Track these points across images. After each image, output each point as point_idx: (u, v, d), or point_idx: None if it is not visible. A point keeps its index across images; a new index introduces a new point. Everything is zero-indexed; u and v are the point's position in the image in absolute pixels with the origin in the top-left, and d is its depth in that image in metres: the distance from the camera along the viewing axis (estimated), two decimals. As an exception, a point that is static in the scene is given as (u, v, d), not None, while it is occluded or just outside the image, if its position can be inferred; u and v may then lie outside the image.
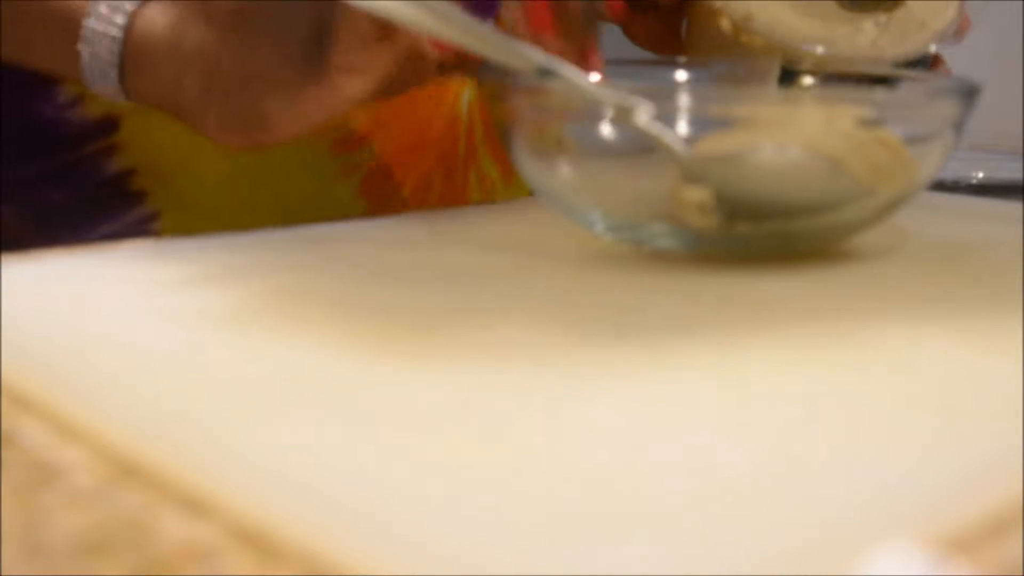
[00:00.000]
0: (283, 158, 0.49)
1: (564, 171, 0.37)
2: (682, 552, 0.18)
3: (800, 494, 0.20)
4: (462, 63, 0.39)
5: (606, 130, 0.36)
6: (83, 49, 0.39)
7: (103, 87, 0.40)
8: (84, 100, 0.48)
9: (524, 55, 0.33)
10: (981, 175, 0.70)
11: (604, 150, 0.36)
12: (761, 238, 0.35)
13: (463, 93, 0.54)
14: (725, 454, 0.22)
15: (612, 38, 0.60)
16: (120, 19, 0.39)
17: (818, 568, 0.17)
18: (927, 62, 0.44)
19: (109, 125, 0.48)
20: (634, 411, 0.24)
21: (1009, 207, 0.47)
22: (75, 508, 0.19)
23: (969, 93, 0.35)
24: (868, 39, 0.42)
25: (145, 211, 0.49)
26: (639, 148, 0.36)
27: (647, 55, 0.47)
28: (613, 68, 0.47)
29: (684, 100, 0.35)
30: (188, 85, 0.39)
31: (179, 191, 0.49)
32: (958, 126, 0.36)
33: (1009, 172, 0.72)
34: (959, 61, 0.46)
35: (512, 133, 0.37)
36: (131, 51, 0.39)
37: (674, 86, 0.41)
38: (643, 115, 0.33)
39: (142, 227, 0.49)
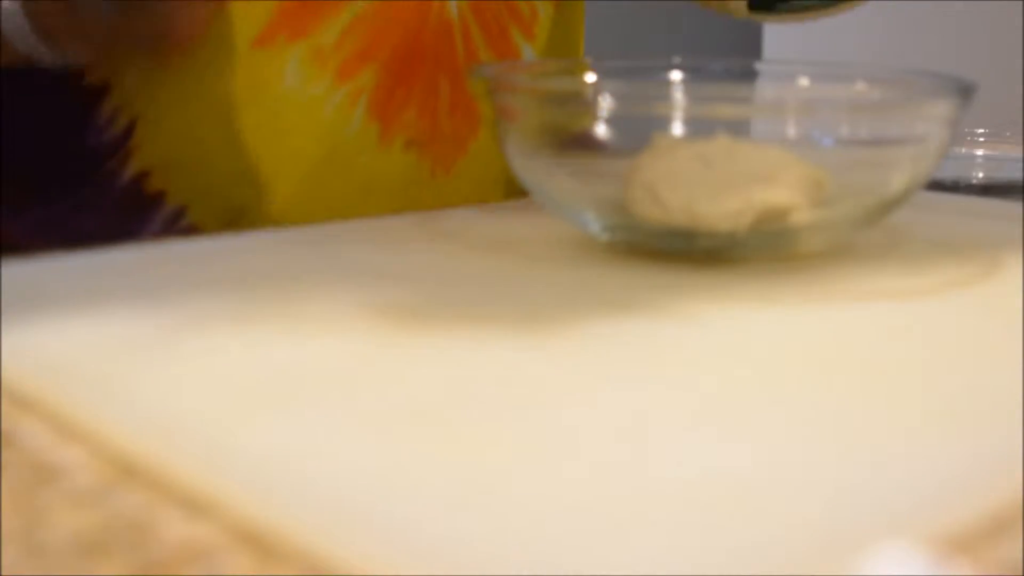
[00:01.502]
0: (294, 106, 0.49)
1: (558, 171, 0.37)
2: (681, 552, 0.18)
3: (800, 494, 0.20)
4: None
5: (601, 129, 0.36)
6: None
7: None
8: (118, 114, 0.48)
9: None
10: (981, 175, 0.70)
11: (599, 149, 0.36)
12: (760, 238, 0.35)
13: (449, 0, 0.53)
14: (725, 454, 0.22)
15: (615, 38, 0.60)
16: None
17: (818, 568, 0.17)
18: None
19: (127, 132, 0.48)
20: (633, 410, 0.24)
21: (1009, 207, 0.47)
22: (75, 508, 0.19)
23: (965, 92, 0.35)
24: None
25: (169, 210, 0.48)
26: (635, 147, 0.36)
27: (642, 54, 0.47)
28: (611, 68, 0.47)
29: (678, 100, 0.35)
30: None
31: (199, 178, 0.48)
32: (954, 125, 0.36)
33: (1009, 172, 0.72)
34: (959, 61, 0.46)
35: (505, 132, 0.37)
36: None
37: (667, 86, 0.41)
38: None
39: (174, 227, 0.48)
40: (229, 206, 0.48)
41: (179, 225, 0.48)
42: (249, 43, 0.47)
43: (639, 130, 0.37)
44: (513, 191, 0.55)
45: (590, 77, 0.45)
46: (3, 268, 0.33)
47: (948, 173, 0.67)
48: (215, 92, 0.47)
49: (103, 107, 0.48)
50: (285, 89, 0.48)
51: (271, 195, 0.49)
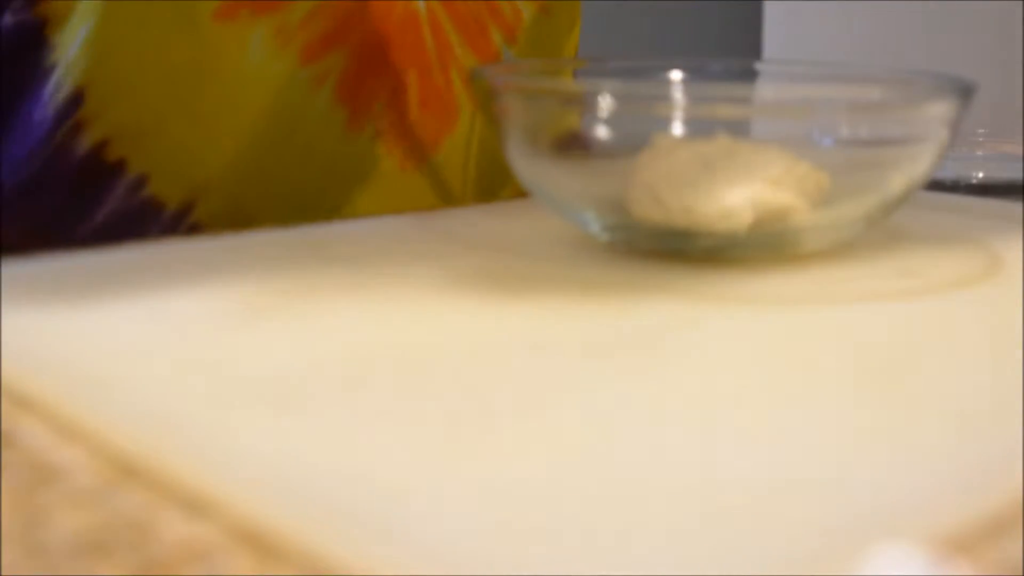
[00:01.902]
0: (255, 82, 0.48)
1: (558, 171, 0.37)
2: (681, 552, 0.18)
3: (800, 494, 0.20)
4: None
5: (601, 129, 0.36)
6: None
7: None
8: (61, 85, 0.47)
9: None
10: (981, 175, 0.70)
11: (599, 149, 0.36)
12: (760, 238, 0.35)
13: None
14: (724, 454, 0.22)
15: (614, 37, 0.60)
16: None
17: (818, 568, 0.17)
18: None
19: (74, 102, 0.47)
20: (632, 411, 0.24)
21: (1009, 207, 0.47)
22: (75, 508, 0.19)
23: (965, 92, 0.35)
24: None
25: (131, 178, 0.48)
26: (635, 147, 0.36)
27: (643, 55, 0.47)
28: (611, 68, 0.47)
29: (678, 100, 0.35)
30: None
31: (160, 147, 0.48)
32: (954, 125, 0.36)
33: (1009, 172, 0.72)
34: (959, 61, 0.46)
35: (506, 132, 0.37)
36: None
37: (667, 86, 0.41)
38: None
39: (135, 195, 0.48)
40: (189, 177, 0.48)
41: (140, 195, 0.48)
42: (210, 15, 0.47)
43: (639, 130, 0.37)
44: (484, 193, 0.55)
45: (590, 77, 0.45)
46: (3, 268, 0.33)
47: (948, 173, 0.67)
48: (171, 63, 0.47)
49: (48, 78, 0.47)
50: (247, 65, 0.48)
51: (231, 170, 0.48)
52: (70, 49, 0.47)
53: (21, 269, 0.33)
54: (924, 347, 0.29)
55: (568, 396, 0.25)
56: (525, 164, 0.37)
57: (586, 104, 0.37)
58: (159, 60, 0.47)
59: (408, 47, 0.51)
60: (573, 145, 0.37)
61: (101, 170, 0.48)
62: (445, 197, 0.53)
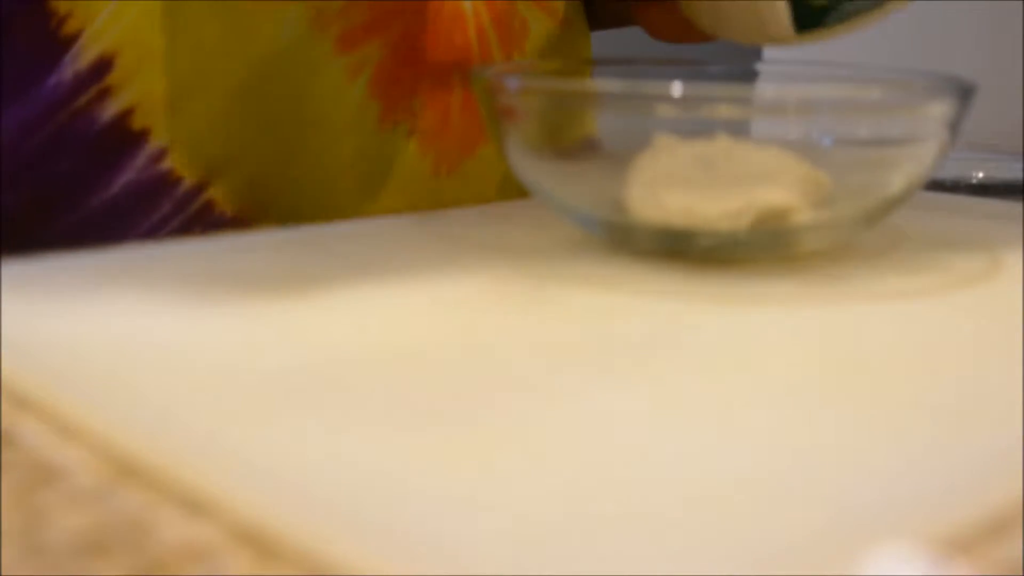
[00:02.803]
0: (287, 64, 0.47)
1: (558, 171, 0.37)
2: (680, 552, 0.18)
3: (799, 494, 0.20)
4: None
5: (601, 129, 0.36)
6: None
7: None
8: (83, 48, 0.47)
9: None
10: (981, 175, 0.70)
11: (599, 149, 0.36)
12: (760, 238, 0.35)
13: None
14: (723, 453, 0.22)
15: (615, 38, 0.60)
16: None
17: (818, 568, 0.17)
18: None
19: (102, 69, 0.46)
20: (631, 411, 0.24)
21: (1009, 207, 0.47)
22: (75, 508, 0.19)
23: (965, 92, 0.35)
24: None
25: (152, 149, 0.47)
26: (635, 147, 0.36)
27: (644, 55, 0.47)
28: (611, 68, 0.47)
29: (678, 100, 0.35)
30: None
31: (184, 120, 0.47)
32: (954, 125, 0.36)
33: (1009, 172, 0.72)
34: (959, 61, 0.46)
35: (506, 131, 0.37)
36: None
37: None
38: None
39: (154, 167, 0.47)
40: (210, 154, 0.47)
41: (159, 167, 0.47)
42: None
43: (639, 130, 0.37)
44: (506, 193, 0.54)
45: (590, 77, 0.45)
46: (3, 268, 0.33)
47: (948, 173, 0.67)
48: (202, 37, 0.47)
49: (71, 46, 0.47)
50: (279, 46, 0.47)
51: (252, 151, 0.48)
52: (98, 17, 0.46)
53: (21, 269, 0.33)
54: (924, 347, 0.29)
55: (567, 396, 0.25)
56: (525, 164, 0.37)
57: (586, 104, 0.37)
58: (190, 33, 0.46)
59: (455, 47, 0.50)
60: (573, 145, 0.37)
61: (124, 138, 0.47)
62: (472, 203, 0.52)
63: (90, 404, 0.24)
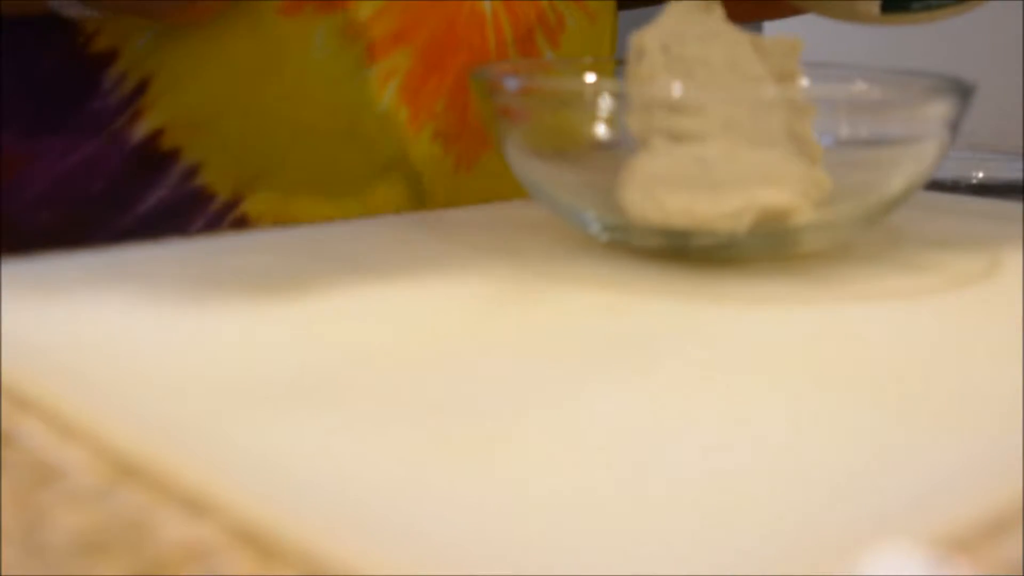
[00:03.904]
0: (317, 78, 0.48)
1: (558, 171, 0.37)
2: (681, 552, 0.18)
3: (799, 494, 0.20)
4: None
5: (601, 129, 0.36)
6: None
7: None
8: (126, 77, 0.47)
9: None
10: (981, 175, 0.70)
11: (599, 149, 0.36)
12: (760, 238, 0.35)
13: None
14: (723, 453, 0.22)
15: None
16: None
17: (818, 568, 0.17)
18: None
19: (138, 90, 0.47)
20: (631, 411, 0.24)
21: (1009, 207, 0.47)
22: (75, 508, 0.19)
23: (965, 92, 0.35)
24: None
25: (184, 166, 0.48)
26: (635, 147, 0.36)
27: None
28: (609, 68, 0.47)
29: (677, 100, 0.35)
30: None
31: (215, 137, 0.48)
32: (954, 125, 0.36)
33: (1009, 172, 0.72)
34: (959, 61, 0.46)
35: (506, 131, 0.37)
36: None
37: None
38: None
39: (187, 184, 0.48)
40: (242, 169, 0.48)
41: (192, 184, 0.48)
42: (274, 10, 0.47)
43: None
44: (521, 189, 0.54)
45: (590, 77, 0.45)
46: (3, 268, 0.33)
47: (948, 173, 0.67)
48: (234, 55, 0.47)
49: (110, 67, 0.47)
50: (310, 60, 0.48)
51: (285, 163, 0.48)
52: (138, 40, 0.47)
53: (21, 269, 0.33)
54: (924, 347, 0.29)
55: (567, 396, 0.25)
56: (525, 164, 0.37)
57: (586, 104, 0.37)
58: (221, 51, 0.47)
59: (474, 47, 0.51)
60: (573, 145, 0.37)
61: (155, 157, 0.48)
62: (489, 198, 0.53)
63: (90, 404, 0.24)
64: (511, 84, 0.38)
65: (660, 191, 0.34)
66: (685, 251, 0.36)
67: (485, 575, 0.17)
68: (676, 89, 0.36)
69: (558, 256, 0.37)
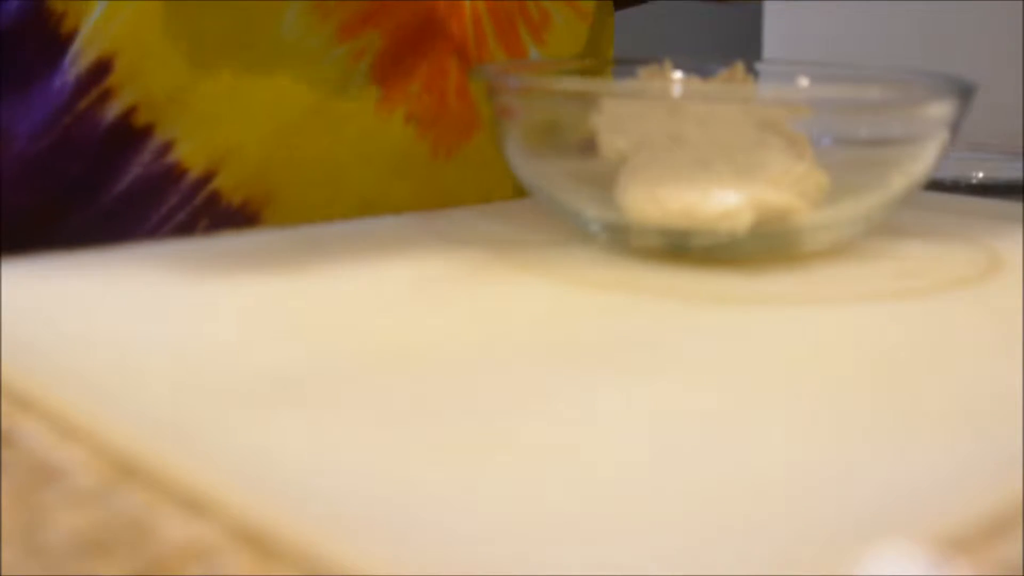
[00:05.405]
0: (288, 54, 0.48)
1: (558, 171, 0.37)
2: (681, 552, 0.18)
3: (799, 494, 0.20)
4: None
5: (603, 128, 0.36)
6: None
7: None
8: (81, 51, 0.47)
9: None
10: (981, 175, 0.70)
11: (599, 149, 0.36)
12: (760, 238, 0.35)
13: None
14: (722, 453, 0.22)
15: (614, 38, 0.60)
16: None
17: (818, 568, 0.17)
18: None
19: (101, 71, 0.47)
20: (631, 411, 0.24)
21: (1009, 207, 0.47)
22: (75, 508, 0.19)
23: (965, 92, 0.35)
24: None
25: (158, 143, 0.48)
26: (635, 146, 0.36)
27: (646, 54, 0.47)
28: (610, 68, 0.47)
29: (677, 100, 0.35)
30: None
31: (187, 113, 0.48)
32: (954, 125, 0.36)
33: (1009, 172, 0.72)
34: (959, 61, 0.46)
35: (506, 131, 0.37)
36: None
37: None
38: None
39: (160, 161, 0.48)
40: (215, 144, 0.48)
41: (165, 160, 0.48)
42: None
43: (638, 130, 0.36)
44: (522, 189, 0.54)
45: (590, 77, 0.45)
46: (3, 268, 0.33)
47: (948, 173, 0.67)
48: (204, 31, 0.47)
49: (69, 48, 0.47)
50: (280, 37, 0.48)
51: (258, 139, 0.48)
52: (90, 17, 0.47)
53: (21, 269, 0.33)
54: (924, 347, 0.29)
55: (567, 396, 0.25)
56: (525, 164, 0.37)
57: (586, 103, 0.37)
58: (191, 28, 0.47)
59: (452, 34, 0.51)
60: (573, 144, 0.37)
61: (128, 136, 0.48)
62: (483, 193, 0.53)
63: (90, 404, 0.24)
64: (512, 84, 0.38)
65: (660, 190, 0.34)
66: (684, 251, 0.36)
67: (485, 575, 0.17)
68: (676, 89, 0.36)
69: (557, 256, 0.37)
